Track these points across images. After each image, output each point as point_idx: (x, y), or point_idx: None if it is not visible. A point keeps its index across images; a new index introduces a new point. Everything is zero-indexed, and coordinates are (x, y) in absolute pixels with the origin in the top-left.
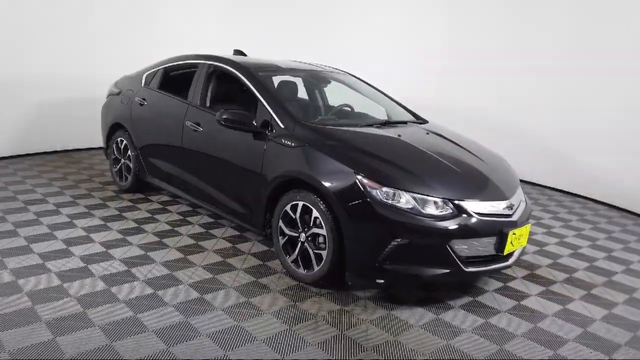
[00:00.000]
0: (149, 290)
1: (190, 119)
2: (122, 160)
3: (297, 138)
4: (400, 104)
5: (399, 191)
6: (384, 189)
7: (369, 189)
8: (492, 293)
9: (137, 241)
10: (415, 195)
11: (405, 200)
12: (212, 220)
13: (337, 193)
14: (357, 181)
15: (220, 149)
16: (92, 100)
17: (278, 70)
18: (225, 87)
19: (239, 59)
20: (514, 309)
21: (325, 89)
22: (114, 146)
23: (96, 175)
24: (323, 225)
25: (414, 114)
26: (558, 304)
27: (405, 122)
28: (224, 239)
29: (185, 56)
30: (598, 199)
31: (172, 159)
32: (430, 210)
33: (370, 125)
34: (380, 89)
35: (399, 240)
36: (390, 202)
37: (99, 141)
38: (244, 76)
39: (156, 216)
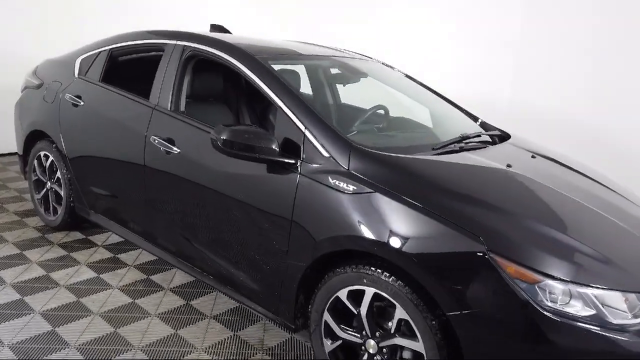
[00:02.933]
0: None
1: (156, 131)
2: (49, 184)
3: (357, 176)
4: (455, 104)
5: (572, 286)
6: (549, 282)
7: (518, 282)
8: None
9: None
10: (596, 290)
11: (581, 303)
12: (193, 281)
13: (444, 282)
14: (495, 265)
15: (212, 182)
16: (8, 88)
17: (298, 58)
18: (210, 82)
19: (231, 39)
20: None
21: (353, 83)
22: (35, 163)
23: (11, 200)
24: (417, 334)
25: (481, 122)
26: None
27: (478, 135)
28: (250, 331)
29: (143, 34)
30: None
31: (128, 192)
32: (623, 317)
33: (445, 147)
34: (421, 82)
35: None
36: (557, 307)
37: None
38: (248, 68)
39: (106, 277)
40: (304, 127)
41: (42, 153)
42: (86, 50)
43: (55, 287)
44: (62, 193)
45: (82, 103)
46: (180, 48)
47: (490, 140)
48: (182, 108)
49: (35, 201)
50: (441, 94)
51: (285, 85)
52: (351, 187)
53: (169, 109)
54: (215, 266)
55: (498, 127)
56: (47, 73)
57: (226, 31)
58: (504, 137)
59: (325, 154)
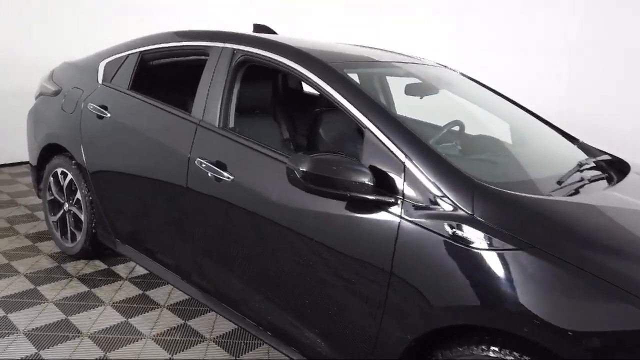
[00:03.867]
0: None
1: (203, 153)
2: (66, 206)
3: (489, 226)
4: (544, 120)
5: None
6: None
7: None
8: None
9: None
10: None
11: None
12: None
13: None
14: None
15: (277, 217)
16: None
17: (375, 65)
18: (259, 92)
19: (291, 42)
20: None
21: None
22: (51, 181)
23: (22, 219)
24: None
25: (580, 143)
26: None
27: (596, 163)
28: None
29: (181, 34)
30: None
31: (165, 221)
32: None
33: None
34: (499, 92)
35: None
36: None
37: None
38: (324, 79)
39: (137, 322)
40: (404, 157)
41: (59, 170)
42: (111, 53)
43: (78, 337)
44: (82, 217)
45: (109, 115)
46: (229, 52)
47: (604, 167)
48: (232, 124)
49: (50, 224)
50: (525, 106)
51: (376, 102)
52: (481, 241)
53: (217, 125)
54: (271, 318)
55: (601, 150)
56: (65, 78)
57: (272, 32)
58: (614, 162)
59: (437, 192)
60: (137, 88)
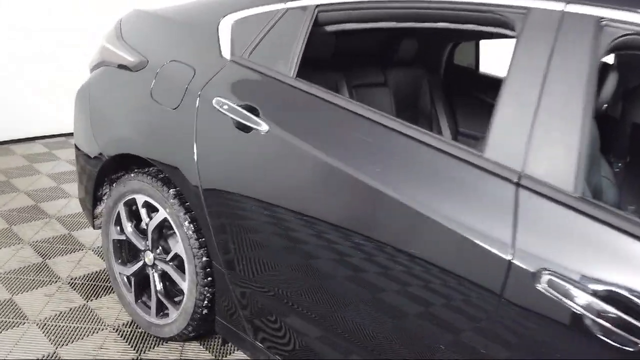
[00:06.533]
0: None
1: (549, 255)
2: (150, 256)
3: None
4: None
5: None
6: None
7: None
8: None
9: None
10: None
11: None
12: None
13: None
14: None
15: None
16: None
17: None
18: None
19: None
20: None
21: None
22: (123, 212)
23: (58, 248)
24: None
25: None
26: None
27: None
28: None
29: None
30: None
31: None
32: None
33: None
34: None
35: None
36: None
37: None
38: None
39: None
40: None
41: (140, 199)
42: (245, 3)
43: None
44: (182, 284)
45: (264, 126)
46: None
47: None
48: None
49: (117, 279)
50: None
51: None
52: None
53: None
54: None
55: None
56: (151, 41)
57: None
58: None
59: None
60: (305, 75)
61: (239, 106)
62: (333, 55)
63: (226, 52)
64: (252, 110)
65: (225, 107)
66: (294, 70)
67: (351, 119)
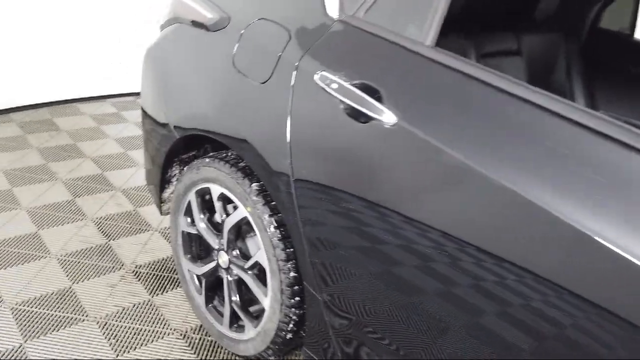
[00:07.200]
0: None
1: None
2: (224, 258)
3: None
4: None
5: None
6: None
7: None
8: None
9: None
10: None
11: None
12: None
13: None
14: None
15: None
16: None
17: None
18: None
19: None
20: None
21: None
22: (195, 202)
23: (126, 219)
24: None
25: None
26: None
27: None
28: None
29: None
30: None
31: None
32: None
33: None
34: None
35: None
36: None
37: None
38: None
39: None
40: None
41: (215, 189)
42: None
43: None
44: (264, 301)
45: (393, 119)
46: None
47: None
48: None
49: (186, 277)
50: None
51: None
52: None
53: None
54: None
55: None
56: None
57: None
58: None
59: None
60: (447, 44)
61: (353, 86)
62: (460, 14)
63: (333, 9)
64: (372, 92)
65: (334, 85)
66: (433, 36)
67: (535, 117)
